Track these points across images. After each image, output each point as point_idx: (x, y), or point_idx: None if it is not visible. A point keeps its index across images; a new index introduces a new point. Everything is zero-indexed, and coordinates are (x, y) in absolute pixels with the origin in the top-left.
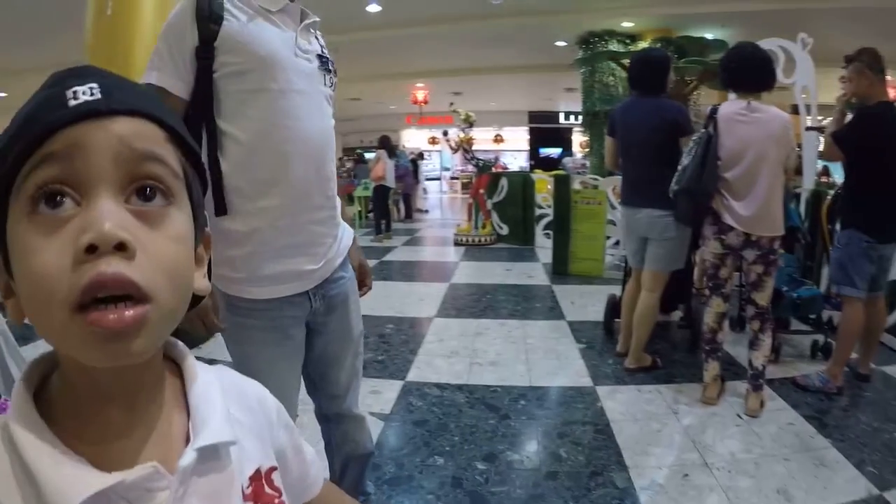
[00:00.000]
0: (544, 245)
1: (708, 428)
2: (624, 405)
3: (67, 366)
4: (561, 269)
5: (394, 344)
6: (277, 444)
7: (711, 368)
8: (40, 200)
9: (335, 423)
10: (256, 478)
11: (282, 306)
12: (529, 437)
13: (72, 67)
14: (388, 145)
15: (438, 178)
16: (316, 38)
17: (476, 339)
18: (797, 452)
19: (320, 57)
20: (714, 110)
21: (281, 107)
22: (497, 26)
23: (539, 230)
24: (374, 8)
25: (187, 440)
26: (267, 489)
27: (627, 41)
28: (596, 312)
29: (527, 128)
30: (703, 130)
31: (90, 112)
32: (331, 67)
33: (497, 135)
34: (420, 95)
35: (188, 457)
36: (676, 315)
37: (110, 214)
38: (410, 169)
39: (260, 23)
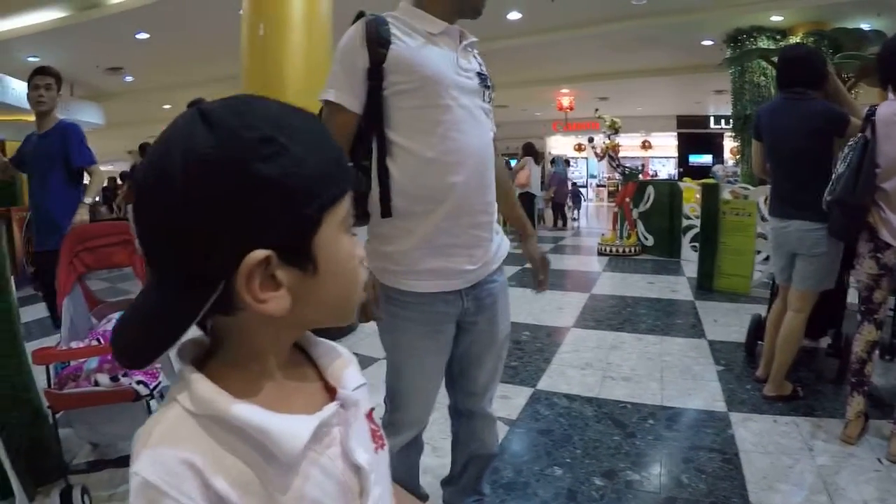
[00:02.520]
0: (690, 258)
1: (843, 469)
2: (757, 435)
3: (260, 341)
4: (706, 285)
5: (528, 351)
6: None
7: (856, 404)
8: (350, 227)
9: (466, 418)
10: (368, 416)
11: (435, 302)
12: (653, 459)
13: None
14: (532, 152)
15: (585, 186)
16: (474, 56)
17: (611, 352)
18: None
19: (479, 74)
20: (872, 112)
21: (447, 121)
22: (640, 27)
23: (686, 242)
24: (514, 15)
25: (326, 389)
26: (372, 425)
27: (778, 37)
28: (739, 333)
29: (675, 133)
30: (859, 135)
31: None
32: (489, 84)
33: (644, 141)
34: (565, 101)
35: (350, 396)
36: (825, 342)
37: None
38: (565, 177)
39: (424, 45)
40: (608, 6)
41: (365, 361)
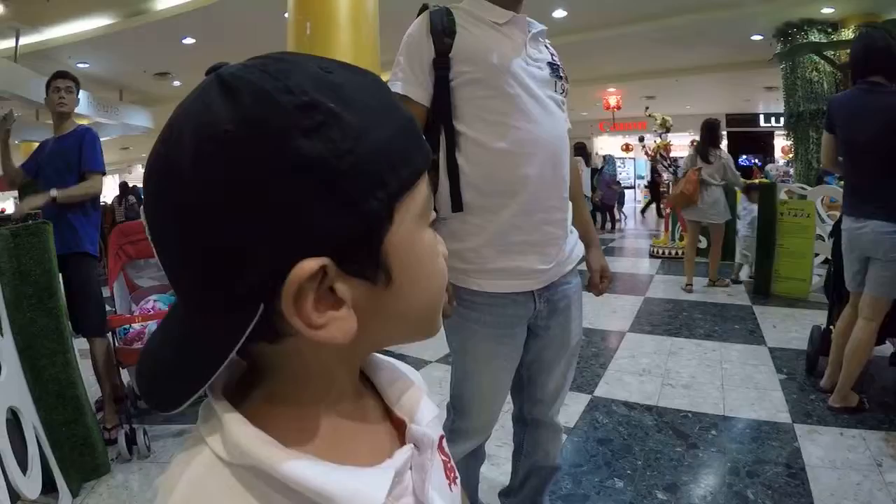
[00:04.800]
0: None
1: None
2: (823, 449)
3: (316, 372)
4: (763, 288)
5: (584, 356)
6: None
7: None
8: (431, 219)
9: (532, 427)
10: (439, 447)
11: (507, 303)
12: (717, 472)
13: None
14: (584, 153)
15: (633, 187)
16: (546, 46)
17: (669, 358)
18: None
19: (551, 64)
20: None
21: (516, 110)
22: (687, 23)
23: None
24: (560, 14)
25: (391, 422)
26: (443, 457)
27: (829, 30)
28: (800, 339)
29: (724, 132)
30: None
31: None
32: (562, 74)
33: (693, 140)
34: (612, 100)
35: (426, 434)
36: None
37: None
38: (614, 177)
39: (491, 34)
40: (654, 2)
41: (415, 364)
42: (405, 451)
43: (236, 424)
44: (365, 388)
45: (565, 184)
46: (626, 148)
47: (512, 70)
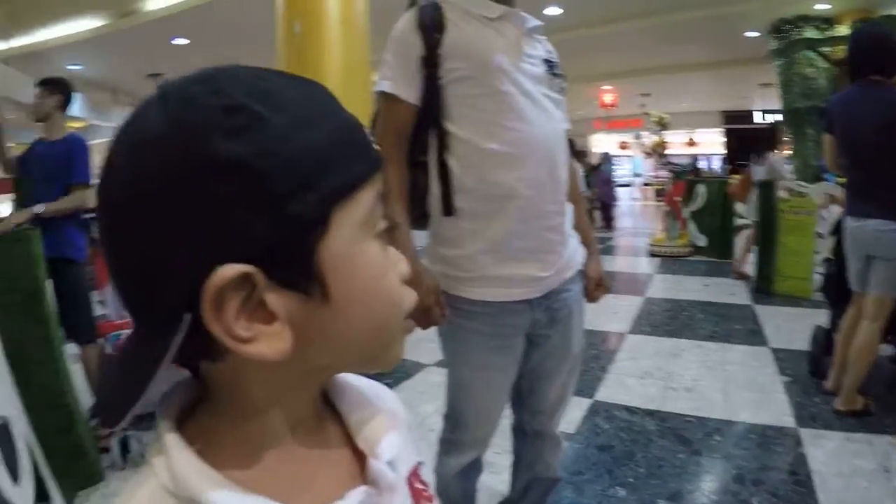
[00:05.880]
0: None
1: None
2: (829, 455)
3: (259, 394)
4: (764, 288)
5: (584, 359)
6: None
7: None
8: (380, 231)
9: (532, 439)
10: (412, 475)
11: (503, 313)
12: (721, 480)
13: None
14: (574, 151)
15: (629, 185)
16: (541, 42)
17: (671, 360)
18: None
19: (546, 61)
20: None
21: (509, 109)
22: (682, 20)
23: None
24: (554, 10)
25: (355, 452)
26: (417, 484)
27: (824, 26)
28: (803, 340)
29: (721, 129)
30: None
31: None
32: (558, 71)
33: (690, 138)
34: (608, 98)
35: (386, 474)
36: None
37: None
38: (609, 176)
39: (482, 29)
40: None
41: (412, 368)
42: (357, 495)
43: (177, 451)
44: (328, 414)
45: (563, 186)
46: (623, 146)
47: (504, 67)
